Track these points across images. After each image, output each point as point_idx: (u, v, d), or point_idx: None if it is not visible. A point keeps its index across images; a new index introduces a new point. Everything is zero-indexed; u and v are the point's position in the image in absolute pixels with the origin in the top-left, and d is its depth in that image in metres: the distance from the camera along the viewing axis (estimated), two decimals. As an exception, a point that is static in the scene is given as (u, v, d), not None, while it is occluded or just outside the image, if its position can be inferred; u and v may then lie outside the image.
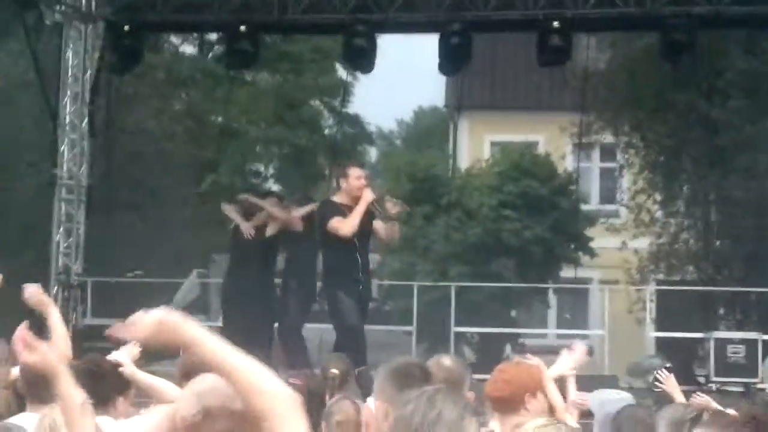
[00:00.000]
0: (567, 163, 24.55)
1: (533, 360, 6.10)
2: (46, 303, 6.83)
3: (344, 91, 27.78)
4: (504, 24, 16.52)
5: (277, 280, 13.83)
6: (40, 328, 6.67)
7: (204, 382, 4.56)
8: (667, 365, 14.65)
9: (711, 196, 21.09)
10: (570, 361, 6.12)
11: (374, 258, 13.20)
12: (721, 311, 21.13)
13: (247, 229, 13.50)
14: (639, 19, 15.75)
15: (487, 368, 5.86)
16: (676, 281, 21.76)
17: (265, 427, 3.15)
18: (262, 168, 32.55)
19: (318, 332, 16.64)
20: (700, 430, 3.50)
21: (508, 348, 19.94)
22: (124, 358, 6.18)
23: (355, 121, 34.23)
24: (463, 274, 20.19)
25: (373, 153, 39.62)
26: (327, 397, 6.07)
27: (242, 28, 15.97)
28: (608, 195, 27.17)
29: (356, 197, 11.71)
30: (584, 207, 23.82)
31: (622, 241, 22.62)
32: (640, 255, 22.56)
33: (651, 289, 21.09)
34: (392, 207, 12.11)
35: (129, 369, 6.06)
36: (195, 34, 27.31)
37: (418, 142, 42.74)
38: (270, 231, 13.55)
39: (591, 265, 22.18)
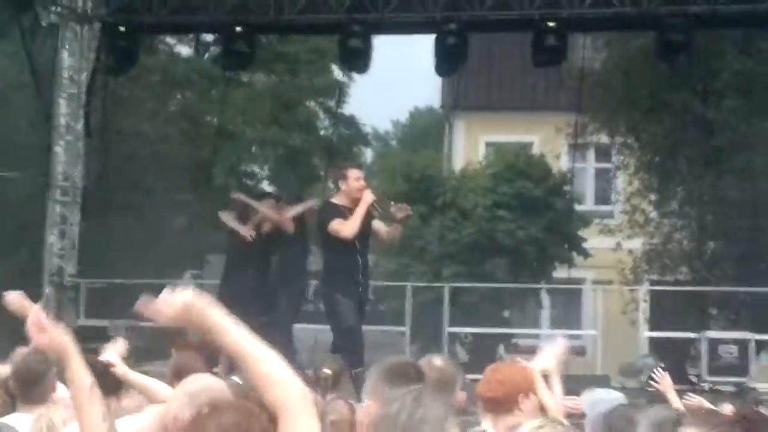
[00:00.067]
0: (562, 164, 24.56)
1: (522, 361, 6.11)
2: (28, 309, 6.81)
3: (340, 92, 27.79)
4: (500, 24, 16.52)
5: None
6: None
7: (195, 382, 4.58)
8: (660, 365, 14.70)
9: (705, 197, 21.08)
10: (552, 356, 6.11)
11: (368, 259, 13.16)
12: (714, 311, 21.13)
13: (247, 232, 13.53)
14: (635, 19, 15.75)
15: (480, 368, 5.86)
16: (669, 281, 21.76)
17: (280, 418, 3.18)
18: (257, 169, 32.53)
19: (312, 333, 16.65)
20: (690, 429, 3.50)
21: (501, 348, 19.97)
22: (116, 358, 6.18)
23: (351, 122, 34.24)
24: (458, 274, 20.20)
25: (368, 154, 39.66)
26: (319, 398, 6.06)
27: (238, 29, 15.98)
28: (603, 196, 27.17)
29: (356, 198, 11.67)
30: (579, 208, 23.80)
31: (616, 242, 22.62)
32: (634, 255, 22.57)
33: (644, 289, 21.10)
34: (398, 211, 12.09)
35: (121, 369, 6.06)
36: (191, 36, 27.29)
37: (414, 143, 42.75)
38: (263, 230, 13.58)
39: (584, 266, 22.18)
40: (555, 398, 5.72)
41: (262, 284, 13.70)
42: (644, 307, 19.65)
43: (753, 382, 14.41)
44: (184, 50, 29.91)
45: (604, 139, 23.77)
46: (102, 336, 15.07)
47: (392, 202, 12.19)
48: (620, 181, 24.69)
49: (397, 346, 16.18)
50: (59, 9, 16.75)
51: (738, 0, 15.25)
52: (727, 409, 8.07)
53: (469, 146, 28.94)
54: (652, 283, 22.02)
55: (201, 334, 3.30)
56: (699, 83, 20.40)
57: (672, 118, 21.78)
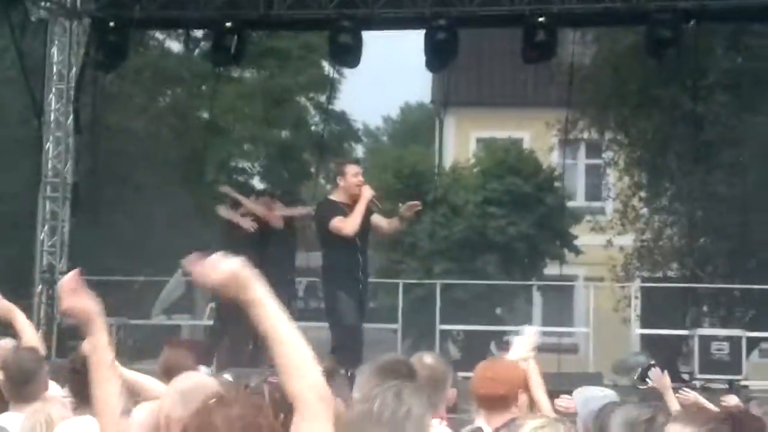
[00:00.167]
0: (552, 160, 24.55)
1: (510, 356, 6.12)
2: (9, 308, 6.82)
3: (330, 87, 27.75)
4: (490, 19, 16.51)
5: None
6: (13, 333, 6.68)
7: (187, 379, 4.56)
8: (652, 362, 14.71)
9: (695, 193, 21.10)
10: (525, 345, 6.14)
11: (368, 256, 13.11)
12: (705, 308, 21.17)
13: (248, 224, 13.56)
14: (625, 14, 15.77)
15: (472, 366, 5.87)
16: (660, 278, 21.78)
17: (297, 411, 3.20)
18: (248, 165, 32.50)
19: (302, 331, 16.53)
20: (677, 426, 3.50)
21: (493, 345, 19.95)
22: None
23: (342, 118, 34.20)
24: (448, 271, 20.19)
25: (359, 150, 39.60)
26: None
27: (228, 24, 15.95)
28: (594, 192, 27.17)
29: (354, 194, 11.62)
30: (570, 204, 23.80)
31: (607, 239, 22.63)
32: (625, 252, 22.58)
33: (636, 286, 21.10)
34: (407, 210, 12.08)
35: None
36: (180, 31, 27.25)
37: (405, 139, 42.71)
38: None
39: (576, 262, 22.18)
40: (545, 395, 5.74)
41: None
42: (636, 304, 19.66)
43: (745, 380, 14.43)
44: (175, 46, 29.91)
45: (594, 135, 23.79)
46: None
47: (400, 203, 12.19)
48: (611, 178, 24.70)
49: (389, 344, 16.16)
50: (48, 4, 16.70)
51: (726, -5, 15.30)
52: (733, 401, 8.11)
53: (460, 142, 28.93)
54: (644, 280, 22.04)
55: (240, 305, 3.31)
56: (688, 79, 20.41)
57: (661, 114, 21.80)
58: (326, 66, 28.85)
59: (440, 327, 16.85)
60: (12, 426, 5.43)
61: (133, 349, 14.42)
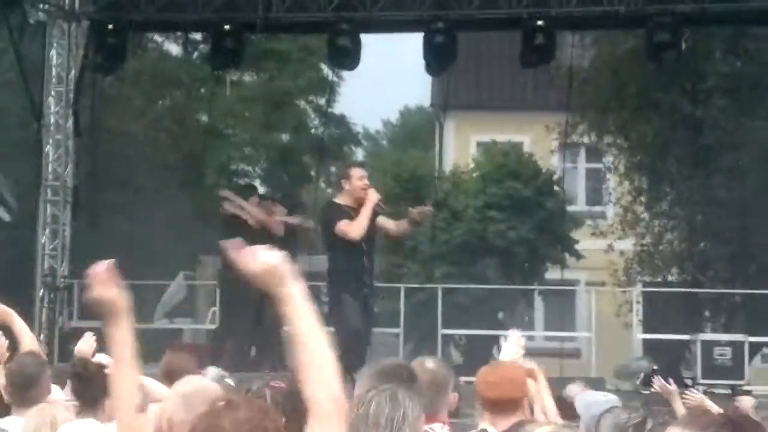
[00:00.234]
0: (552, 164, 24.53)
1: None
2: (7, 313, 6.82)
3: (330, 90, 27.74)
4: (488, 23, 16.52)
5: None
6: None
7: (189, 383, 4.54)
8: (654, 367, 14.70)
9: (695, 197, 21.09)
10: (514, 346, 6.23)
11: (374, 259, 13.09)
12: (707, 313, 21.16)
13: (257, 214, 13.64)
14: (624, 18, 15.74)
15: (474, 370, 5.87)
16: (662, 283, 21.76)
17: (310, 415, 3.20)
18: (248, 168, 32.48)
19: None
20: (677, 430, 3.48)
21: (495, 350, 19.91)
22: (109, 359, 6.14)
23: (341, 121, 34.20)
24: (449, 275, 20.17)
25: (359, 153, 39.62)
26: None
27: (226, 27, 15.95)
28: (594, 196, 27.16)
29: (359, 198, 11.61)
30: (571, 208, 23.77)
31: (608, 244, 22.61)
32: (626, 256, 22.57)
33: (637, 290, 21.09)
34: (418, 214, 12.08)
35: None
36: (179, 34, 27.24)
37: (404, 143, 42.71)
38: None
39: (577, 267, 22.15)
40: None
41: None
42: (638, 308, 19.64)
43: (747, 385, 14.41)
44: (174, 49, 29.89)
45: (594, 138, 23.77)
46: (96, 338, 15.04)
47: (411, 208, 12.22)
48: (611, 182, 24.68)
49: (390, 348, 16.15)
50: (47, 6, 16.68)
51: (724, -2, 15.30)
52: (749, 403, 8.11)
53: (460, 146, 28.91)
54: (645, 284, 22.02)
55: (275, 299, 3.32)
56: (687, 82, 20.42)
57: (661, 118, 21.79)
58: (325, 69, 28.87)
59: (442, 331, 16.83)
60: (14, 430, 5.43)
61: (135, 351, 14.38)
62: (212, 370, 7.92)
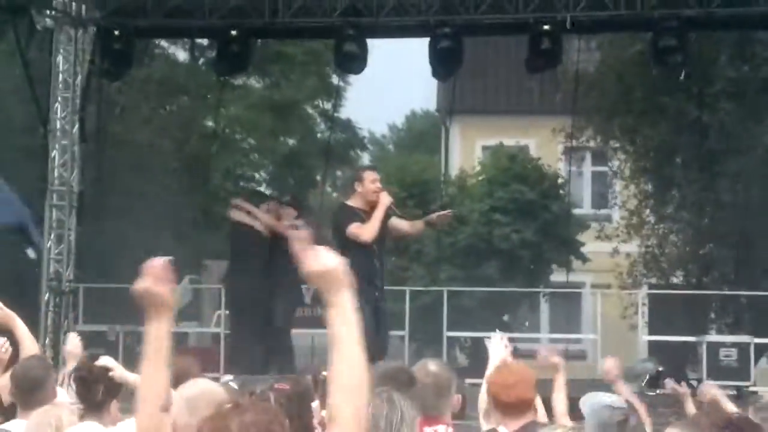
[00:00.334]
0: (558, 168, 24.55)
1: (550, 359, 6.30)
2: (9, 316, 6.84)
3: (336, 95, 27.76)
4: (494, 27, 16.51)
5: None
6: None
7: (194, 386, 4.56)
8: (660, 369, 14.70)
9: (701, 201, 21.09)
10: (500, 348, 6.35)
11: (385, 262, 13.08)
12: (713, 315, 21.15)
13: (263, 228, 13.63)
14: (629, 22, 15.76)
15: (479, 373, 5.89)
16: (668, 285, 21.76)
17: (329, 426, 3.22)
18: (254, 173, 32.50)
19: (308, 337, 16.60)
20: (676, 430, 3.50)
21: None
22: (113, 362, 6.16)
23: (347, 125, 34.21)
24: (454, 277, 20.18)
25: (365, 158, 39.64)
26: (317, 400, 6.06)
27: (233, 32, 15.96)
28: (600, 199, 27.16)
29: (372, 201, 11.62)
30: (576, 211, 23.77)
31: (613, 247, 22.62)
32: (632, 259, 22.57)
33: (643, 293, 21.09)
34: (439, 218, 12.10)
35: (119, 372, 6.04)
36: (186, 40, 27.27)
37: (410, 147, 42.73)
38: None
39: (583, 270, 22.17)
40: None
41: (266, 289, 13.74)
42: (643, 311, 19.64)
43: (753, 386, 14.41)
44: (181, 55, 29.93)
45: (600, 142, 23.78)
46: (101, 341, 15.06)
47: (435, 214, 12.26)
48: (617, 186, 24.68)
49: (396, 351, 16.14)
50: (54, 13, 16.71)
51: (731, 3, 15.24)
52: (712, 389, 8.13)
53: (466, 150, 28.93)
54: (651, 287, 22.03)
55: (322, 300, 3.32)
56: (694, 87, 20.40)
57: (667, 122, 21.78)
58: (331, 73, 28.90)
59: (447, 334, 16.83)
60: (19, 432, 5.46)
61: (141, 356, 14.40)
62: (226, 379, 7.92)
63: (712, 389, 8.14)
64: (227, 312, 15.52)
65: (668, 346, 17.88)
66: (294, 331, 14.51)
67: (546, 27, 15.30)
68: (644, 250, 22.57)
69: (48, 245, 16.50)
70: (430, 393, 5.43)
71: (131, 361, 7.26)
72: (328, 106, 31.34)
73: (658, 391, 7.94)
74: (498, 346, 6.42)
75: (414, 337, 17.72)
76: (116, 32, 16.17)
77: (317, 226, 15.48)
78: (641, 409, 6.61)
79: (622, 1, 15.19)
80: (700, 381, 14.65)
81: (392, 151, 48.70)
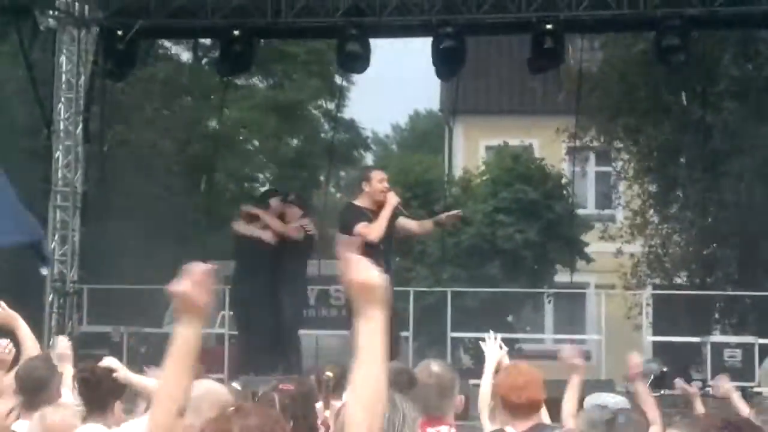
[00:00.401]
0: (562, 168, 24.54)
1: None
2: (12, 317, 6.84)
3: (339, 95, 27.76)
4: (497, 27, 16.52)
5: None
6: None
7: (198, 386, 4.56)
8: (664, 369, 14.68)
9: (704, 201, 21.07)
10: (494, 350, 6.43)
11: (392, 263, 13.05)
12: (717, 315, 21.14)
13: (269, 237, 13.62)
14: (632, 21, 15.75)
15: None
16: (672, 285, 21.75)
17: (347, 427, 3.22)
18: (257, 173, 32.50)
19: (313, 338, 16.58)
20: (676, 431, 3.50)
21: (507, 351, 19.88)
22: (117, 363, 6.16)
23: (351, 126, 34.21)
24: (457, 278, 20.17)
25: (369, 158, 39.67)
26: (321, 401, 6.07)
27: (236, 32, 15.96)
28: (604, 199, 27.15)
29: (379, 201, 11.61)
30: (580, 211, 23.76)
31: (617, 247, 22.61)
32: (636, 259, 22.56)
33: (647, 293, 21.07)
34: (449, 218, 12.11)
35: (122, 373, 6.04)
36: (189, 40, 27.27)
37: (414, 147, 42.73)
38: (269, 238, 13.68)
39: (587, 270, 22.15)
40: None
41: (271, 290, 13.73)
42: (647, 311, 19.63)
43: (758, 387, 14.39)
44: (184, 55, 29.95)
45: (603, 142, 23.76)
46: (105, 342, 15.07)
47: (444, 214, 12.27)
48: (621, 186, 24.67)
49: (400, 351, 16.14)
50: (57, 13, 16.71)
51: (734, 2, 15.23)
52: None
53: (469, 150, 28.93)
54: (655, 287, 22.02)
55: (354, 308, 3.31)
56: (698, 86, 20.38)
57: (670, 122, 21.77)
58: (335, 73, 28.89)
59: (451, 335, 16.83)
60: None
61: (145, 356, 14.41)
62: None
63: (726, 384, 8.13)
64: (231, 313, 15.49)
65: (672, 347, 17.86)
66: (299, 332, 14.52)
67: (548, 26, 15.30)
68: (647, 250, 22.55)
69: (52, 246, 16.49)
70: (432, 394, 5.43)
71: (135, 361, 7.26)
72: (331, 106, 31.36)
73: (662, 392, 7.94)
74: (493, 347, 6.45)
75: (418, 338, 17.71)
76: (119, 32, 16.18)
77: (321, 226, 15.51)
78: (654, 411, 6.61)
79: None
80: (704, 381, 14.67)
81: (395, 151, 48.71)
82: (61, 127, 16.71)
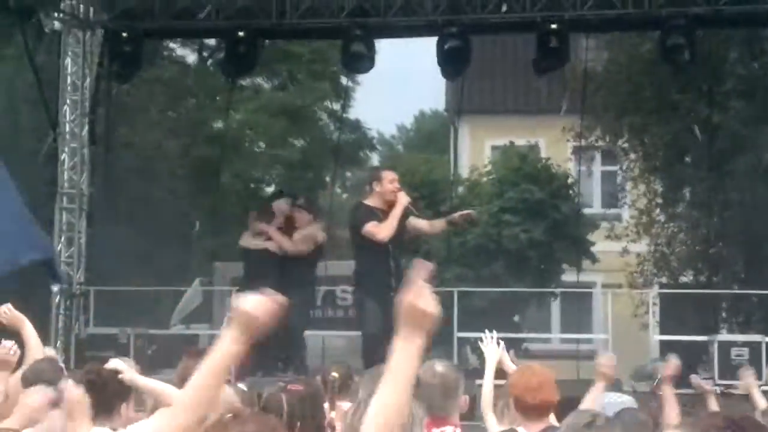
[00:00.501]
0: (568, 167, 24.52)
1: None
2: (19, 319, 6.86)
3: (345, 96, 27.75)
4: (502, 26, 16.53)
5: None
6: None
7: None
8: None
9: (710, 200, 21.04)
10: (493, 349, 6.47)
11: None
12: (724, 314, 21.10)
13: (276, 248, 13.67)
14: (637, 20, 15.75)
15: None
16: (679, 284, 21.72)
17: None
18: (263, 174, 32.48)
19: (320, 338, 16.57)
20: (679, 430, 3.50)
21: (512, 353, 19.88)
22: (123, 364, 6.16)
23: (356, 126, 34.18)
24: (463, 277, 20.16)
25: (375, 159, 39.66)
26: (326, 401, 6.08)
27: (240, 33, 15.97)
28: (610, 199, 27.13)
29: (389, 200, 11.62)
30: (586, 211, 23.74)
31: (623, 246, 22.59)
32: (642, 258, 22.53)
33: (654, 292, 21.05)
34: (461, 217, 12.13)
35: (129, 375, 6.04)
36: (195, 41, 27.30)
37: (419, 147, 42.71)
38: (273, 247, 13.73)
39: (593, 269, 22.13)
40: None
41: (279, 293, 13.73)
42: (654, 310, 19.61)
43: (765, 386, 14.34)
44: (188, 54, 29.96)
45: (609, 141, 23.72)
46: (112, 344, 15.07)
47: (457, 214, 12.28)
48: (627, 185, 24.64)
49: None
50: (62, 15, 16.73)
51: (739, 0, 15.21)
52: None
53: (475, 150, 28.90)
54: (662, 286, 22.00)
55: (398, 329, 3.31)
56: (704, 85, 20.35)
57: (676, 121, 21.73)
58: (340, 74, 28.88)
59: (458, 334, 16.82)
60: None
61: (152, 358, 14.43)
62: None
63: (750, 378, 8.12)
64: None
65: (679, 346, 17.82)
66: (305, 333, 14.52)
67: (553, 26, 15.29)
68: (654, 249, 22.53)
69: (58, 248, 16.51)
70: (436, 394, 5.43)
71: (142, 363, 7.26)
72: (336, 107, 31.32)
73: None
74: (491, 347, 6.46)
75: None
76: (124, 34, 16.20)
77: (328, 227, 15.51)
78: (676, 413, 6.65)
79: (630, -1, 15.21)
80: (711, 380, 14.64)
81: (401, 151, 48.69)
82: (67, 129, 16.72)
